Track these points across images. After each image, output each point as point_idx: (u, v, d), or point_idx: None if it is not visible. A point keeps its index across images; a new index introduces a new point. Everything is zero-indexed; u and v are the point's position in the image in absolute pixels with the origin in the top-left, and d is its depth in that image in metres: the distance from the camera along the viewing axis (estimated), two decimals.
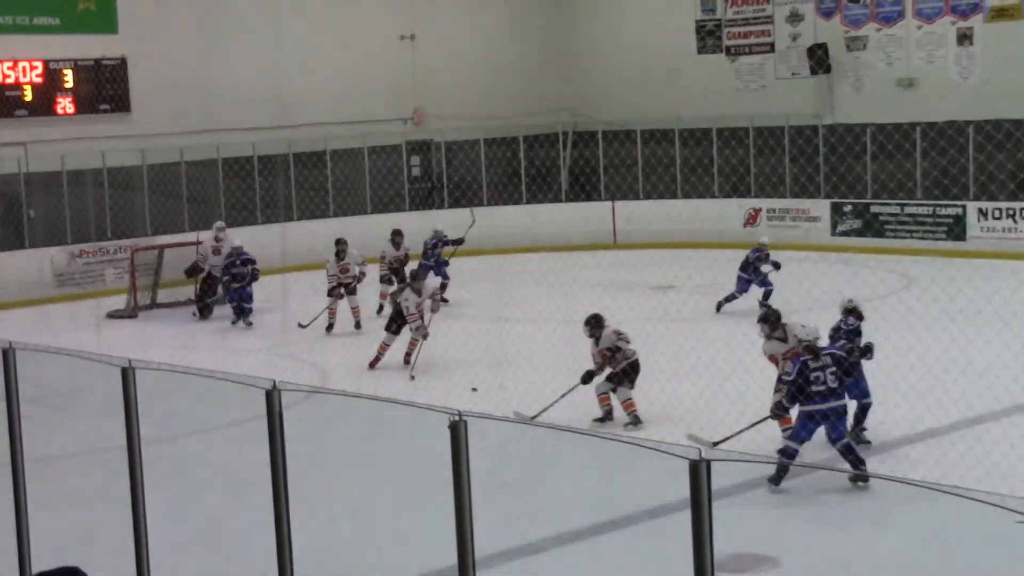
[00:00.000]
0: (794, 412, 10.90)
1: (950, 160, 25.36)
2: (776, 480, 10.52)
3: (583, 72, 31.84)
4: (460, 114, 29.70)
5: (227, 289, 20.48)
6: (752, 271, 19.21)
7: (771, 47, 29.23)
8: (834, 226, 26.76)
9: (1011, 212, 24.50)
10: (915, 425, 12.45)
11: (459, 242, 21.27)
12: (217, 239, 21.75)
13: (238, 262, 20.39)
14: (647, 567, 9.22)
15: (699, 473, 5.27)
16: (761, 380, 12.80)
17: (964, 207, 25.07)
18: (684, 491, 5.15)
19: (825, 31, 28.21)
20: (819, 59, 27.92)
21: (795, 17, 28.74)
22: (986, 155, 25.12)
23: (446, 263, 21.14)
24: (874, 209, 26.30)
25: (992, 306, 16.16)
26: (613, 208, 28.80)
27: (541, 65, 31.48)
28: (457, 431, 5.83)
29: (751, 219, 27.79)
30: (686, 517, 5.12)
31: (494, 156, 30.05)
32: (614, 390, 13.20)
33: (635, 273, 22.94)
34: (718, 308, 19.18)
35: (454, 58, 30.28)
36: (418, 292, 16.34)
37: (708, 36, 30.19)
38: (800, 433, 10.54)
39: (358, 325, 19.22)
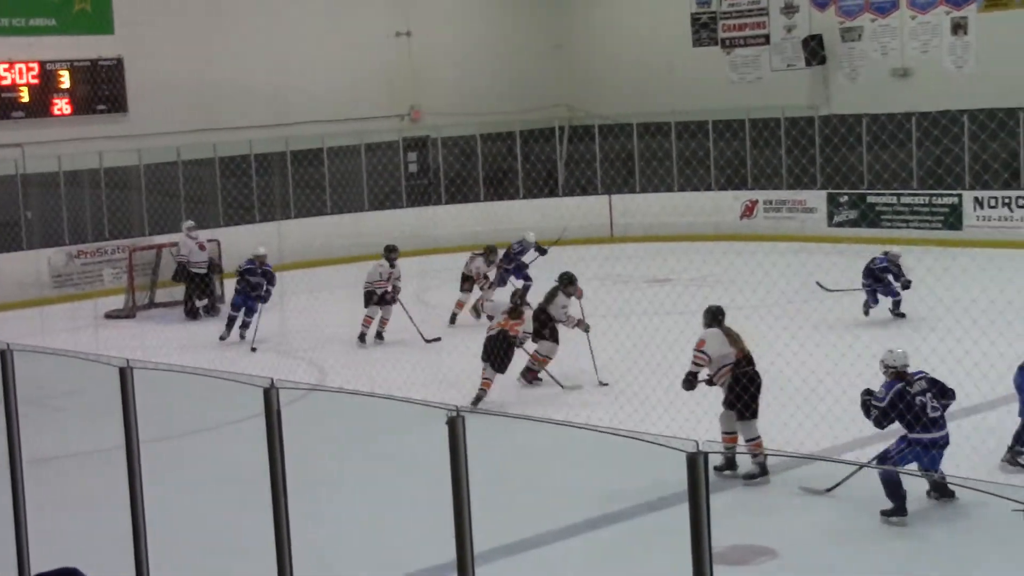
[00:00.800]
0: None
1: (945, 150, 25.37)
2: (898, 510, 9.73)
3: (579, 66, 31.85)
4: (456, 110, 29.70)
5: (243, 294, 18.84)
6: (874, 279, 17.82)
7: (766, 39, 29.23)
8: (831, 217, 26.78)
9: (1007, 201, 24.52)
10: None
11: (544, 251, 20.66)
12: (191, 237, 21.73)
13: (259, 271, 18.84)
14: (647, 560, 9.24)
15: (696, 465, 5.29)
16: (770, 372, 12.80)
17: (960, 196, 25.09)
18: (683, 483, 5.18)
19: (820, 22, 28.21)
20: (814, 50, 27.93)
21: (790, 9, 28.74)
22: (980, 144, 25.14)
23: (526, 266, 20.35)
24: (870, 199, 26.32)
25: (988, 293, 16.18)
26: (610, 202, 28.82)
27: (537, 60, 31.48)
28: (455, 427, 5.85)
29: (747, 211, 27.81)
30: (685, 510, 5.14)
31: (490, 151, 30.06)
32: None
33: (632, 266, 22.93)
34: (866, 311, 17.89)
35: (449, 54, 30.28)
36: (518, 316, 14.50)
37: (703, 29, 30.19)
38: (906, 459, 9.92)
39: (379, 336, 18.20)
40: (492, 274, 19.61)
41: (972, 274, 17.85)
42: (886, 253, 18.03)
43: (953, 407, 10.56)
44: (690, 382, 11.39)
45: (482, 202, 29.22)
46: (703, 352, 11.24)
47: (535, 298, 15.97)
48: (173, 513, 9.91)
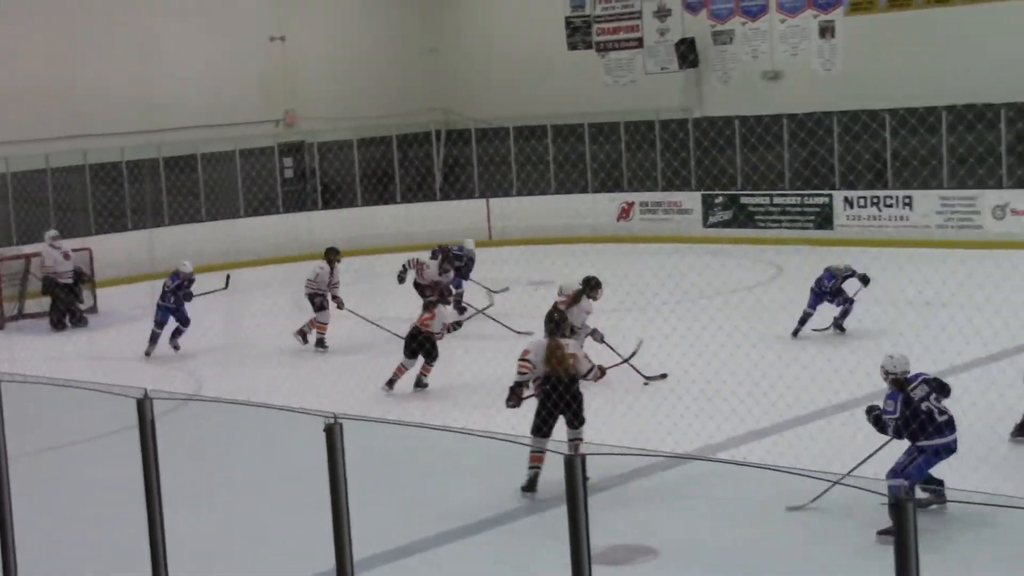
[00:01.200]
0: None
1: (815, 151, 25.90)
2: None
3: (454, 70, 31.84)
4: (332, 115, 29.51)
5: (166, 310, 17.89)
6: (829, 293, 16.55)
7: (640, 42, 29.51)
8: (705, 218, 27.14)
9: (875, 200, 25.07)
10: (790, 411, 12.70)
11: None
12: (54, 247, 21.27)
13: (186, 284, 17.96)
14: (528, 563, 9.26)
15: (574, 468, 5.32)
16: (649, 369, 12.91)
17: (830, 196, 25.60)
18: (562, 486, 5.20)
19: (692, 26, 28.57)
20: (685, 53, 28.28)
21: (662, 12, 29.06)
22: (847, 146, 25.69)
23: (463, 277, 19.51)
24: (744, 200, 26.73)
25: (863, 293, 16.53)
26: (488, 205, 28.88)
27: (412, 64, 31.41)
28: (332, 434, 5.82)
29: (624, 213, 28.06)
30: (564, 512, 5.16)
31: (367, 156, 29.94)
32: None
33: (511, 269, 23.01)
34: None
35: (324, 59, 30.09)
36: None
37: (577, 32, 30.39)
38: (922, 470, 9.53)
39: (320, 343, 17.55)
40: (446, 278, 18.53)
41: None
42: (829, 269, 16.59)
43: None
44: (516, 396, 10.90)
45: (359, 207, 29.13)
46: (527, 360, 10.87)
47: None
48: (44, 528, 9.69)
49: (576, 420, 10.72)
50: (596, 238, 26.98)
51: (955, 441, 9.59)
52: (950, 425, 9.57)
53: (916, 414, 9.45)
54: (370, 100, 30.18)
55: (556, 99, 29.36)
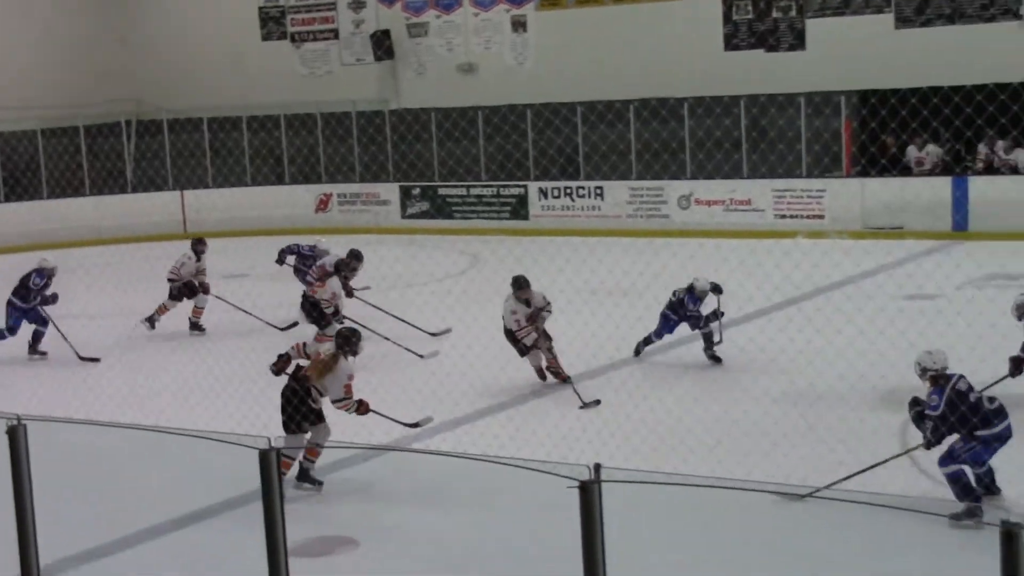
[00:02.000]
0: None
1: (510, 142, 26.43)
2: (971, 513, 8.95)
3: (146, 60, 31.01)
4: (15, 104, 28.27)
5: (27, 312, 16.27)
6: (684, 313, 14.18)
7: (335, 34, 29.43)
8: (404, 209, 27.30)
9: (568, 191, 25.75)
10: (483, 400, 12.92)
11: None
12: None
13: (49, 282, 16.37)
14: (226, 559, 9.13)
15: (268, 462, 5.29)
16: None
17: (526, 187, 26.16)
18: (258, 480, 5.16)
19: (387, 18, 28.67)
20: (381, 44, 28.36)
21: (357, 4, 29.04)
22: (540, 136, 26.31)
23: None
24: (442, 192, 27.01)
25: (557, 283, 16.94)
26: (182, 197, 28.27)
27: (102, 54, 30.41)
28: (15, 435, 5.60)
29: (322, 205, 27.96)
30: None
31: (54, 147, 28.81)
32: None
33: (208, 262, 22.56)
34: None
35: (7, 47, 28.81)
36: None
37: (272, 22, 30.05)
38: (977, 457, 9.14)
39: (195, 326, 17.47)
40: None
41: (540, 261, 18.66)
42: (692, 291, 14.06)
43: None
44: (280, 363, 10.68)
45: (45, 200, 28.02)
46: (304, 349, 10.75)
47: None
48: None
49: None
50: (294, 230, 26.67)
51: (1008, 428, 9.17)
52: (1000, 413, 9.19)
53: (974, 408, 9.07)
54: (56, 89, 29.04)
55: (251, 90, 28.99)
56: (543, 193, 26.01)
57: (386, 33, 28.41)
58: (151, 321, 17.47)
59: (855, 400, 12.18)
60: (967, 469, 9.14)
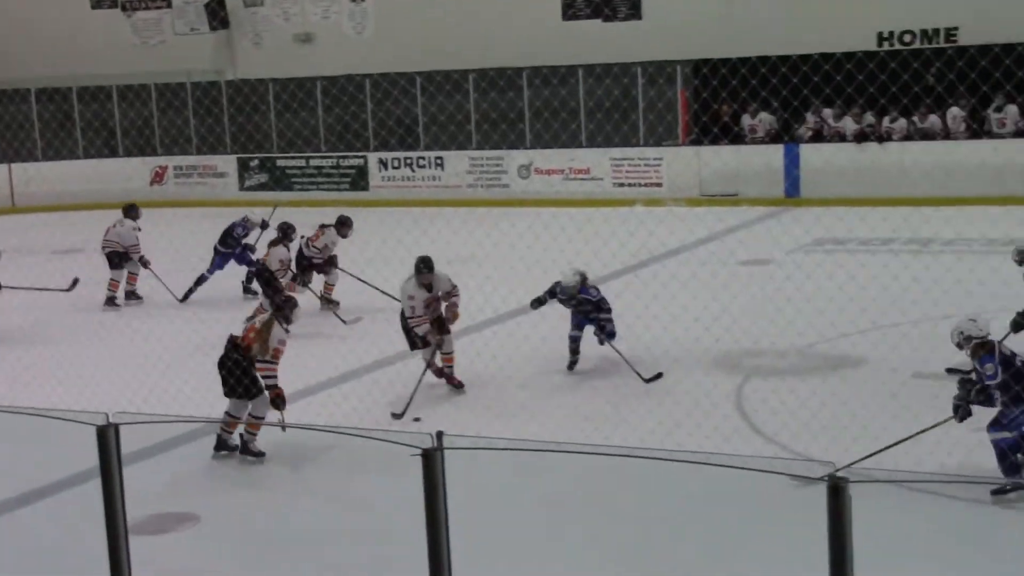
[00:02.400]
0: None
1: (349, 113, 26.29)
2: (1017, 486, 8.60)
3: None
4: None
5: None
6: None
7: (168, 3, 28.90)
8: (242, 181, 27.01)
9: (408, 161, 25.74)
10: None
11: (266, 226, 18.14)
12: None
13: None
14: (63, 538, 9.00)
15: (107, 438, 5.24)
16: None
17: (365, 158, 26.09)
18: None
19: None
20: (216, 14, 27.95)
21: None
22: (379, 107, 26.24)
23: (253, 248, 17.94)
24: (280, 163, 26.79)
25: (398, 253, 16.92)
26: (10, 170, 27.53)
27: None
28: None
29: (158, 177, 27.50)
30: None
31: None
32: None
33: (37, 237, 22.07)
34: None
35: None
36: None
37: None
38: (1014, 426, 8.67)
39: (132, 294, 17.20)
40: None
41: (380, 232, 18.61)
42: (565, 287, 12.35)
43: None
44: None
45: None
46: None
47: None
48: None
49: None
50: (129, 203, 26.25)
51: None
52: None
53: (1019, 372, 8.61)
54: None
55: (82, 60, 28.34)
56: (383, 164, 25.97)
57: (221, 3, 28.01)
58: (112, 301, 16.97)
59: (690, 363, 12.46)
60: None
